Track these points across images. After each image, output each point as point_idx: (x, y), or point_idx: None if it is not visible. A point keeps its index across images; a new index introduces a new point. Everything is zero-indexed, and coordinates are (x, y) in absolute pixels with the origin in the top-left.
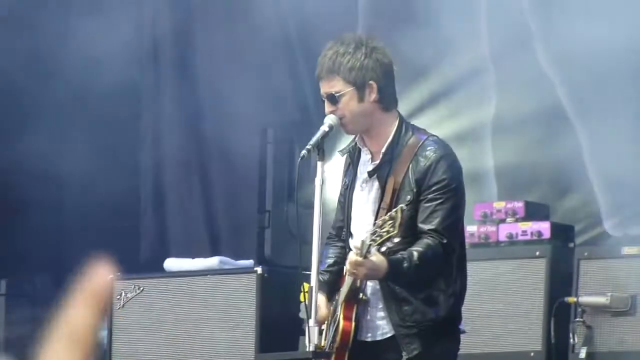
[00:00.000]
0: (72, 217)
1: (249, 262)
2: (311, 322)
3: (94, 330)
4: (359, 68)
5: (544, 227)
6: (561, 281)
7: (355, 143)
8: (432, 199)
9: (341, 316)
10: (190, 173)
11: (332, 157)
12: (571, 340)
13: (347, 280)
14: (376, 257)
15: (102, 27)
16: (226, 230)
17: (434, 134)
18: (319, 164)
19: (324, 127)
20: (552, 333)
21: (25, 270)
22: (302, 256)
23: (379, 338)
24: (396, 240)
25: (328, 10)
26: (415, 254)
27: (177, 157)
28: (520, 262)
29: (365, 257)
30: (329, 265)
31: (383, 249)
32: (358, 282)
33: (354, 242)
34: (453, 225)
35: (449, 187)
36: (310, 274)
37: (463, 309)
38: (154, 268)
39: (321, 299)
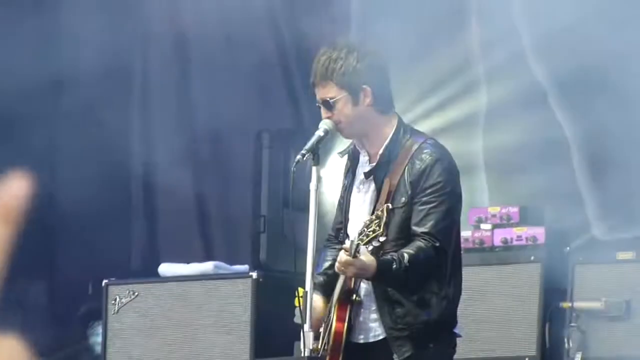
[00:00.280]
0: (62, 222)
1: (244, 267)
2: (306, 327)
3: (4, 244)
4: (351, 73)
5: (539, 232)
6: (556, 286)
7: (354, 145)
8: (426, 201)
9: (334, 317)
10: (184, 177)
11: (327, 162)
12: (566, 345)
13: (339, 281)
14: (365, 257)
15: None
16: (220, 235)
17: (433, 137)
18: (314, 168)
19: (319, 132)
20: (547, 338)
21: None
22: (297, 261)
23: (371, 340)
24: (382, 239)
25: (320, 16)
26: (406, 255)
27: (170, 161)
28: (515, 267)
29: (354, 256)
30: (326, 268)
31: (369, 248)
32: (351, 283)
33: (345, 243)
34: (447, 228)
35: (443, 191)
36: (305, 278)
37: (457, 313)
38: (146, 274)
39: (318, 299)
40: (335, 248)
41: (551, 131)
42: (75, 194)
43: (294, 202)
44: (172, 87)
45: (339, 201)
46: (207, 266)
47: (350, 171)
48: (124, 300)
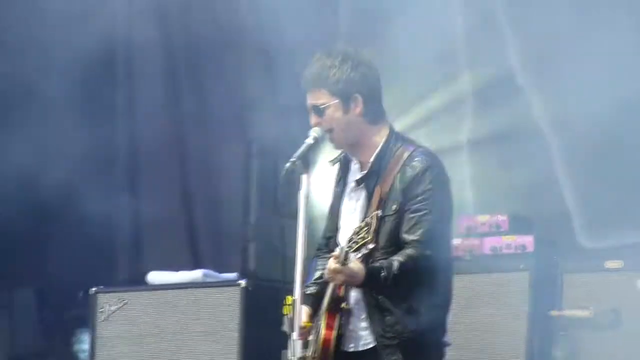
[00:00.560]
0: (51, 230)
1: (233, 275)
2: (294, 335)
3: None
4: (344, 81)
5: (528, 240)
6: (545, 294)
7: (346, 153)
8: (416, 209)
9: (323, 325)
10: (172, 186)
11: (317, 169)
12: (554, 353)
13: (329, 289)
14: (354, 265)
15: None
16: (209, 244)
17: (424, 145)
18: (303, 176)
19: (309, 140)
20: (536, 346)
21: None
22: (286, 269)
23: (361, 348)
24: (370, 246)
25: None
26: (396, 263)
27: (158, 169)
28: (504, 275)
29: (343, 263)
30: (316, 278)
31: (359, 255)
32: (340, 291)
33: (335, 251)
34: (437, 236)
35: (434, 199)
36: (294, 287)
37: (447, 321)
38: (133, 282)
39: (304, 310)
40: (325, 257)
41: (537, 140)
42: (63, 201)
43: (284, 210)
44: (160, 95)
45: (330, 210)
46: (196, 274)
47: (342, 179)
48: (112, 308)
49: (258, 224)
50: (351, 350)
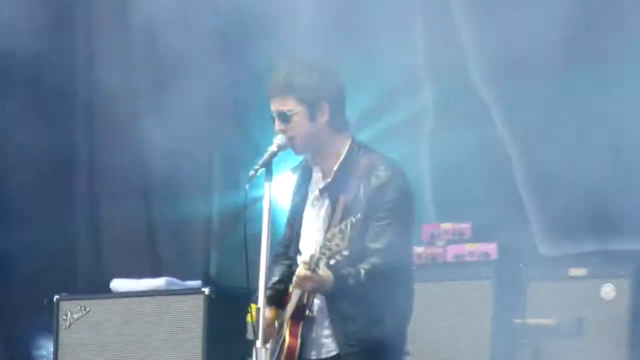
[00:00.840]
0: (10, 236)
1: (197, 283)
2: (258, 343)
3: None
4: (312, 88)
5: (491, 248)
6: (509, 302)
7: (307, 161)
8: (381, 218)
9: (287, 333)
10: (133, 194)
11: (280, 177)
12: None
13: (294, 297)
14: (323, 272)
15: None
16: (171, 250)
17: (387, 155)
18: (266, 184)
19: (272, 148)
20: (499, 354)
21: None
22: (249, 277)
23: (323, 356)
24: (345, 253)
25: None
26: (362, 271)
27: (118, 176)
28: (468, 283)
29: (313, 270)
30: (275, 283)
31: (332, 262)
32: (305, 298)
33: (304, 257)
34: (400, 245)
35: (398, 208)
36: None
37: (409, 330)
38: (94, 289)
39: (267, 310)
40: (283, 264)
41: (496, 148)
42: (21, 209)
43: (247, 217)
44: (123, 107)
45: (289, 217)
46: (160, 282)
47: (302, 187)
48: (75, 316)
49: (220, 230)
50: (313, 357)
